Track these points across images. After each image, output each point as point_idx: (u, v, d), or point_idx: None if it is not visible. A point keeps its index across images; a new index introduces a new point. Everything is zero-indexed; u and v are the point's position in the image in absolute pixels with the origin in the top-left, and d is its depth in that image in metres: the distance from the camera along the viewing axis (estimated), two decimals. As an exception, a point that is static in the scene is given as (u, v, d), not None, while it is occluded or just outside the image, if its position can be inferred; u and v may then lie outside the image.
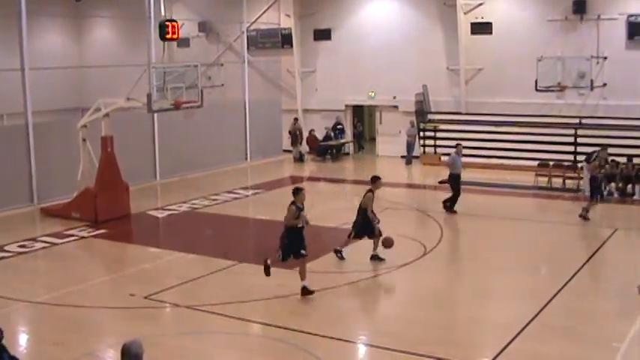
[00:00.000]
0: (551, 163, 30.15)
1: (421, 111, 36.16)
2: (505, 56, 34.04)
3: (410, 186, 31.80)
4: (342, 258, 18.46)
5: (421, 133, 36.11)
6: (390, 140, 37.65)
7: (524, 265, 18.42)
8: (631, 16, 31.68)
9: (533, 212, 25.69)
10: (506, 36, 34.32)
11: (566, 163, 30.13)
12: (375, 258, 18.27)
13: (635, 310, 14.52)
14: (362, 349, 13.45)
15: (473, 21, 35.24)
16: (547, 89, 30.66)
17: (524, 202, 26.99)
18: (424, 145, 36.13)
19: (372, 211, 18.47)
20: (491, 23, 34.83)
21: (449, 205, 24.32)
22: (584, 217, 22.83)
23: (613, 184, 26.97)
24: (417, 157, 35.95)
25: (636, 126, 30.63)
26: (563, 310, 14.74)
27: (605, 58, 31.53)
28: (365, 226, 18.34)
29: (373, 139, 40.35)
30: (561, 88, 30.69)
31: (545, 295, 15.51)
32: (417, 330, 13.93)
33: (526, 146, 32.70)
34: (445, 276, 17.85)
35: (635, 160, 27.41)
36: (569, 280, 16.59)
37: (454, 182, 24.45)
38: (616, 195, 26.79)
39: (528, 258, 19.15)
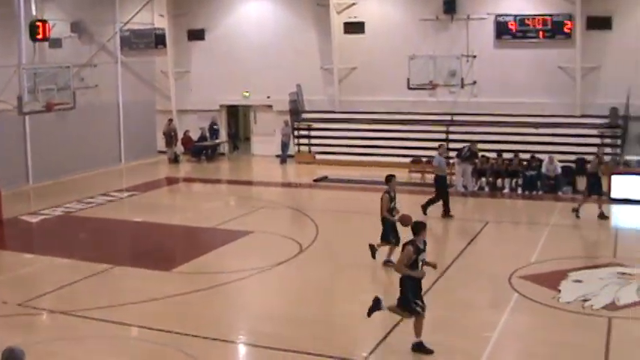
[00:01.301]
0: (424, 159, 30.75)
1: (295, 110, 36.25)
2: (378, 55, 34.50)
3: (285, 185, 31.86)
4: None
5: (295, 132, 36.24)
6: (265, 140, 37.53)
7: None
8: (499, 15, 32.69)
9: (407, 208, 25.96)
10: (379, 35, 34.80)
11: (438, 160, 30.75)
12: (388, 262, 17.67)
13: (505, 300, 14.97)
14: (240, 349, 13.36)
15: (346, 20, 35.56)
16: (419, 87, 31.19)
17: (399, 198, 27.32)
18: (299, 144, 36.25)
19: (391, 209, 17.99)
20: (364, 23, 35.25)
21: (445, 211, 23.44)
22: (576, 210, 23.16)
23: (484, 179, 27.72)
24: (291, 156, 36.04)
25: (505, 122, 31.63)
26: (437, 302, 14.96)
27: (475, 56, 32.36)
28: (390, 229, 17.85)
29: (248, 139, 40.25)
30: (433, 86, 31.29)
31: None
32: (294, 327, 13.93)
33: (399, 143, 33.21)
34: (321, 273, 17.88)
35: (505, 155, 28.20)
36: (443, 272, 16.88)
37: (440, 185, 24.02)
38: (486, 189, 27.54)
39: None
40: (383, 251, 17.80)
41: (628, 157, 28.40)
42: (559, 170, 27.21)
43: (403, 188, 28.21)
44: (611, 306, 14.66)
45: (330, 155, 34.73)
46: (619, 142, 30.70)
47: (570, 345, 12.81)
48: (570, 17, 31.84)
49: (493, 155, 28.18)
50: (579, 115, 31.77)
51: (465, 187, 26.76)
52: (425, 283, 16.05)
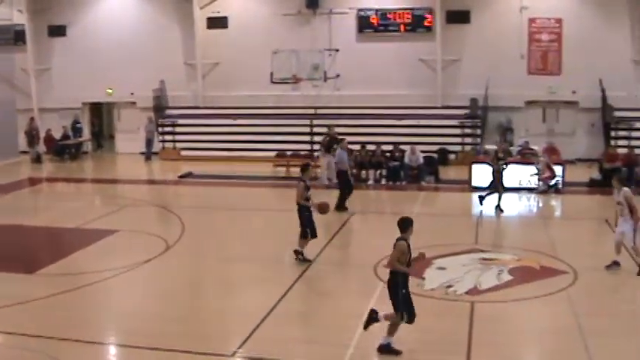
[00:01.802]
0: (288, 153, 30.80)
1: (159, 106, 35.76)
2: (241, 50, 34.40)
3: (150, 182, 31.30)
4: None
5: (160, 129, 35.65)
6: (129, 137, 36.97)
7: (266, 253, 18.51)
8: (361, 10, 33.15)
9: (272, 202, 26.07)
10: (242, 30, 34.71)
11: (302, 153, 30.91)
12: (299, 254, 17.40)
13: (371, 289, 15.05)
14: (109, 350, 12.90)
15: (209, 15, 35.32)
16: (283, 81, 31.23)
17: (264, 192, 27.40)
18: (163, 141, 35.72)
19: (307, 197, 17.59)
20: (227, 17, 35.09)
21: (339, 203, 23.20)
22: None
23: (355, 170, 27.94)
24: (156, 153, 35.46)
25: (369, 114, 32.05)
26: (303, 293, 15.00)
27: (338, 50, 32.59)
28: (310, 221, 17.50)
29: (112, 137, 39.42)
30: (296, 80, 31.38)
31: (287, 280, 15.73)
32: (164, 325, 13.58)
33: (264, 137, 33.20)
34: (188, 270, 17.57)
35: (369, 147, 28.50)
36: (310, 264, 16.93)
37: (343, 179, 23.81)
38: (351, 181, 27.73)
39: (270, 246, 19.29)
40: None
41: (487, 146, 29.21)
42: (421, 160, 27.74)
43: (268, 182, 28.38)
44: (474, 291, 14.99)
45: (195, 151, 34.40)
46: (479, 131, 31.58)
47: (435, 330, 12.94)
48: (430, 11, 32.59)
49: (357, 147, 28.42)
50: (440, 106, 32.61)
51: (329, 179, 26.88)
52: (292, 275, 16.14)
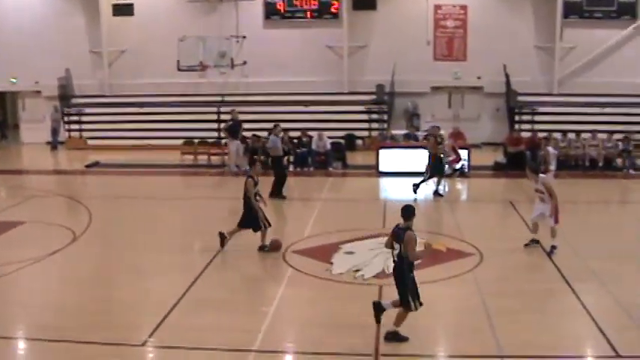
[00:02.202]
0: (196, 140, 30.52)
1: (65, 95, 34.99)
2: (148, 37, 33.93)
3: (56, 172, 30.58)
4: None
5: (66, 118, 34.90)
6: (35, 127, 36.06)
7: (175, 242, 18.35)
8: (267, -4, 32.98)
9: (181, 190, 25.84)
10: (148, 17, 34.23)
11: (210, 140, 30.68)
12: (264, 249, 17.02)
13: (280, 275, 15.05)
14: (20, 344, 12.50)
15: (115, 2, 34.69)
16: (189, 69, 30.87)
17: (172, 180, 27.12)
18: (69, 130, 34.98)
19: (255, 193, 17.10)
20: (132, 5, 34.50)
21: (275, 191, 22.77)
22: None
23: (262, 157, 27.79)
24: (62, 143, 34.74)
25: (276, 101, 32.07)
26: (214, 281, 14.87)
27: (245, 37, 32.44)
28: (250, 216, 17.01)
29: (17, 127, 38.43)
30: (203, 68, 31.07)
31: (196, 268, 15.56)
32: (72, 317, 13.23)
33: (171, 125, 32.83)
34: (97, 260, 17.21)
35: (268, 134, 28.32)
36: (218, 252, 16.80)
37: (277, 165, 23.57)
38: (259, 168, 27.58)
39: (179, 235, 19.13)
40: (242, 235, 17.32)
41: (394, 132, 29.49)
42: (329, 146, 27.84)
43: (175, 170, 28.08)
44: (382, 274, 15.06)
45: (102, 140, 33.82)
46: (385, 117, 31.86)
47: (344, 314, 13.00)
48: (338, -2, 32.66)
49: (265, 134, 28.29)
50: (347, 92, 32.75)
51: (237, 166, 26.74)
52: (201, 262, 15.98)
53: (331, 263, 15.82)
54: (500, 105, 33.00)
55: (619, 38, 33.01)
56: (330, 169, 27.48)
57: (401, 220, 12.07)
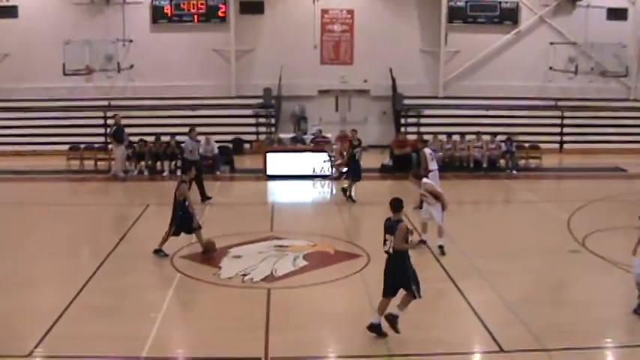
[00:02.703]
0: (82, 146, 30.04)
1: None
2: (32, 40, 32.95)
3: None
4: (165, 255, 16.71)
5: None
6: None
7: (62, 249, 17.93)
8: (155, 0, 32.64)
9: (67, 196, 25.34)
10: (32, 19, 33.23)
11: (97, 145, 30.25)
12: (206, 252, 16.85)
13: (168, 281, 15.01)
14: None
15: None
16: (75, 73, 30.39)
17: (58, 186, 26.56)
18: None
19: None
20: (17, 6, 33.43)
21: (200, 196, 22.71)
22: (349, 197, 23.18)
23: (143, 163, 27.56)
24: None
25: (163, 105, 31.83)
26: (102, 288, 14.69)
27: (132, 41, 32.13)
28: (184, 219, 16.85)
29: None
30: (89, 71, 30.63)
31: (84, 275, 15.31)
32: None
33: (57, 130, 32.13)
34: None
35: (163, 139, 28.17)
36: (105, 258, 16.61)
37: (196, 169, 22.98)
38: (146, 173, 27.40)
39: (65, 242, 18.71)
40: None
41: (281, 135, 29.66)
42: (216, 150, 27.77)
43: (61, 176, 27.54)
44: (270, 277, 15.20)
45: (-15, 147, 32.81)
46: (273, 121, 32.00)
47: (234, 318, 13.07)
48: (225, 1, 32.64)
49: (151, 139, 28.09)
50: (235, 96, 32.76)
51: (125, 172, 26.49)
52: (88, 270, 15.74)
53: (219, 267, 15.89)
54: (386, 108, 33.60)
55: (501, 42, 34.07)
56: (218, 173, 27.42)
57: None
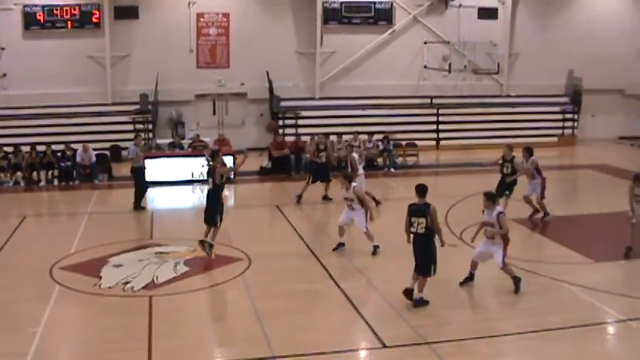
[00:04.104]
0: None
1: None
2: None
3: None
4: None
5: None
6: None
7: None
8: (27, 6, 31.98)
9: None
10: None
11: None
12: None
13: (47, 294, 14.81)
14: None
15: None
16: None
17: None
18: None
19: None
20: None
21: (135, 204, 22.38)
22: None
23: (19, 173, 26.96)
24: None
25: (39, 114, 31.17)
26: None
27: (4, 48, 31.44)
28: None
29: None
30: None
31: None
32: None
33: None
34: None
35: (39, 148, 27.62)
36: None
37: (137, 176, 22.61)
38: (22, 183, 26.81)
39: None
40: None
41: (159, 141, 29.54)
42: (94, 159, 27.38)
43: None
44: (151, 285, 15.22)
45: None
46: (150, 126, 31.78)
47: (116, 328, 13.01)
48: (98, 7, 32.20)
49: (27, 149, 27.47)
50: (111, 102, 32.38)
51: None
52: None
53: (100, 277, 15.76)
54: (263, 110, 33.81)
55: (376, 43, 34.78)
56: (96, 181, 27.06)
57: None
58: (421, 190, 14.14)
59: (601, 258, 17.38)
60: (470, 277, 15.18)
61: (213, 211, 17.35)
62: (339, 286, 15.25)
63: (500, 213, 14.60)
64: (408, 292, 13.96)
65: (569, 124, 37.01)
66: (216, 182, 17.51)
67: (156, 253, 17.52)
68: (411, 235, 14.03)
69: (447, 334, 12.75)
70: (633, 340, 12.91)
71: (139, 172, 23.00)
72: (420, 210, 13.85)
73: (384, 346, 12.27)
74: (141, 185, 22.97)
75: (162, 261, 16.83)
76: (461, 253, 16.45)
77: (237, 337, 13.00)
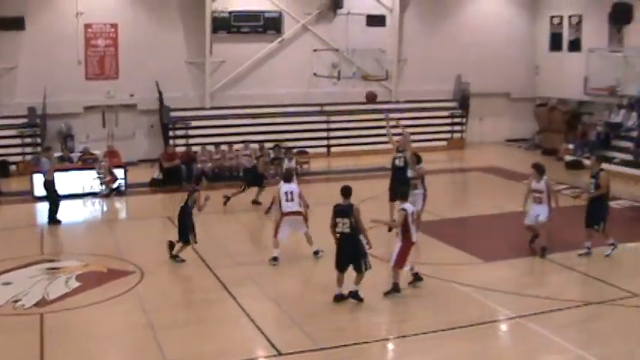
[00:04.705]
0: None
1: None
2: None
3: None
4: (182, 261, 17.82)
5: None
6: None
7: None
8: None
9: None
10: None
11: None
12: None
13: None
14: None
15: None
16: None
17: None
18: None
19: None
20: None
21: (49, 218, 21.81)
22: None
23: None
24: None
25: None
26: None
27: None
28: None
29: None
30: None
31: None
32: None
33: None
34: None
35: None
36: None
37: (50, 190, 22.06)
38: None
39: None
40: None
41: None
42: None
43: None
44: (42, 302, 15.09)
45: None
46: (39, 140, 31.23)
47: (6, 347, 12.85)
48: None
49: None
50: (-1, 116, 31.69)
51: None
52: None
53: (-10, 297, 15.51)
54: (154, 121, 33.61)
55: (266, 51, 35.04)
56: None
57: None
58: (345, 191, 15.11)
59: (490, 258, 18.16)
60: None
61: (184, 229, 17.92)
62: (232, 296, 15.45)
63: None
64: (337, 298, 14.82)
65: (458, 127, 38.09)
66: (188, 204, 18.10)
67: (47, 269, 17.35)
68: (338, 235, 14.79)
69: (342, 339, 13.11)
70: (524, 337, 13.60)
71: (51, 186, 22.74)
72: (343, 211, 14.72)
73: (279, 354, 12.51)
74: (55, 198, 22.69)
75: (54, 277, 16.70)
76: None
77: (131, 350, 13.08)
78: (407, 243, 15.04)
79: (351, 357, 12.55)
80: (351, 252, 14.68)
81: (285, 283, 16.41)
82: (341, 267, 14.81)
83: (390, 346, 13.28)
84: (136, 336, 13.49)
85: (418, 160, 19.96)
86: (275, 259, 17.63)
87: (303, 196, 18.09)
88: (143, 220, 23.38)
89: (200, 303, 15.33)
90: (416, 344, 13.13)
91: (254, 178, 24.76)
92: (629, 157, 29.64)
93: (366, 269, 14.65)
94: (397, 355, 13.13)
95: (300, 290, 16.18)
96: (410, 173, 19.92)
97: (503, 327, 14.20)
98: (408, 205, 15.24)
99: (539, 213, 18.25)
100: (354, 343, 12.97)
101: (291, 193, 17.80)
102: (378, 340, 13.31)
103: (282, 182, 18.31)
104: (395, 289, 15.19)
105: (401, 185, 18.62)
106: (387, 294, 15.17)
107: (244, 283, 16.34)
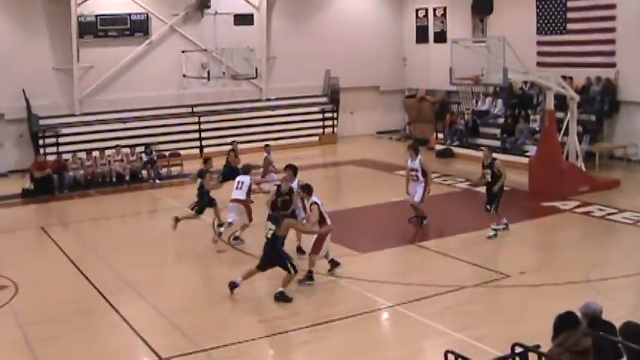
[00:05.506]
0: None
1: None
2: None
3: None
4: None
5: None
6: None
7: None
8: None
9: None
10: None
11: None
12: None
13: None
14: None
15: None
16: None
17: None
18: None
19: None
20: None
21: None
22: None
23: None
24: None
25: None
26: None
27: None
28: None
29: None
30: None
31: None
32: None
33: None
34: None
35: None
36: None
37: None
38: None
39: None
40: None
41: None
42: None
43: None
44: None
45: None
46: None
47: None
48: None
49: None
50: None
51: None
52: None
53: None
54: (23, 131, 32.73)
55: (134, 55, 34.67)
56: None
57: None
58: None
59: (367, 249, 18.62)
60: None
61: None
62: (110, 304, 15.32)
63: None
64: (230, 285, 15.10)
65: (330, 122, 38.60)
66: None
67: None
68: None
69: (224, 339, 13.17)
70: (403, 324, 14.05)
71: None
72: (275, 218, 15.27)
73: (160, 359, 12.50)
74: None
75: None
76: (231, 259, 16.96)
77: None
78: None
79: (233, 356, 12.66)
80: (273, 258, 15.03)
81: (162, 287, 16.38)
82: (260, 267, 15.20)
83: (272, 342, 13.44)
84: (11, 353, 13.15)
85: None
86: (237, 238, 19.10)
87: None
88: (16, 232, 22.76)
89: (77, 313, 15.10)
90: (298, 338, 13.38)
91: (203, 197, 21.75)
92: (496, 143, 30.56)
93: (295, 271, 15.06)
94: (279, 350, 13.32)
95: (179, 293, 16.16)
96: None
97: (384, 315, 14.61)
98: (315, 198, 16.13)
99: (415, 191, 19.69)
100: (237, 342, 13.06)
101: (242, 183, 19.09)
102: (261, 337, 13.47)
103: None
104: (309, 277, 15.77)
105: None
106: (301, 282, 15.64)
107: (121, 290, 16.22)
